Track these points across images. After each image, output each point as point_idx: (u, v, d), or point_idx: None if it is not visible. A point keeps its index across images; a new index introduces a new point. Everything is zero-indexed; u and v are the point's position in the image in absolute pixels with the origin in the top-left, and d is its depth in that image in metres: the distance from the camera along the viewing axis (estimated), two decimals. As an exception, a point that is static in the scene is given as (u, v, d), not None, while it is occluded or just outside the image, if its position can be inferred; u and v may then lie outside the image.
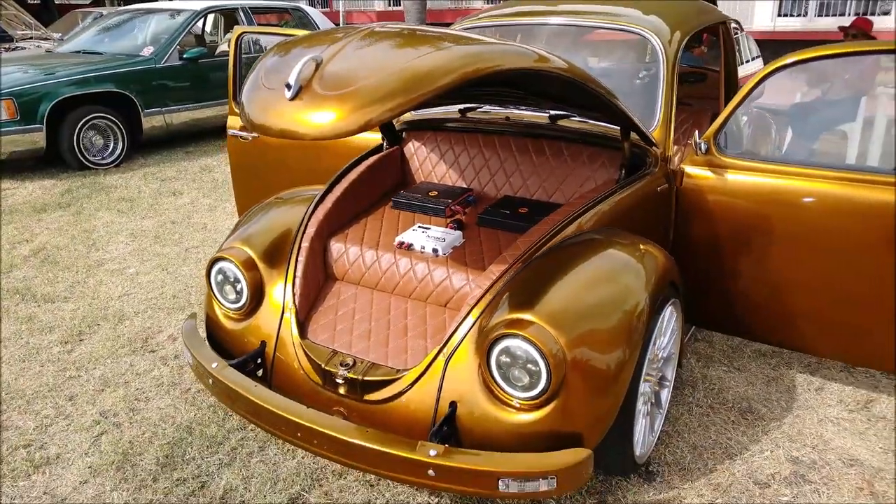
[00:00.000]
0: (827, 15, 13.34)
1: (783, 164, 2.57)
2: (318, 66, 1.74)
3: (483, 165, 2.97)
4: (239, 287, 2.47)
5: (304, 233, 2.53)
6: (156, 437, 2.60)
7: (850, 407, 2.69)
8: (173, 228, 4.90)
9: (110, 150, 6.58)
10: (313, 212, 2.62)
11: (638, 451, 2.24)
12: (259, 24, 8.35)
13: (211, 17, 8.77)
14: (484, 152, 2.97)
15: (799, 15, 13.83)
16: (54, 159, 6.44)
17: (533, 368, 1.92)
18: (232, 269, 2.46)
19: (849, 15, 12.85)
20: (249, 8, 7.80)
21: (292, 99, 1.69)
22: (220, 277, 2.51)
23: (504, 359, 1.95)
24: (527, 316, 1.95)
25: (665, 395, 2.51)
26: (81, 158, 6.36)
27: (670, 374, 2.52)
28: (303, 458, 2.44)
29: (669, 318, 2.36)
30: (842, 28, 6.43)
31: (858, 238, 2.44)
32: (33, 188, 5.97)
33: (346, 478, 2.34)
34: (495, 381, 1.98)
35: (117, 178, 6.27)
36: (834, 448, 2.46)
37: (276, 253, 2.52)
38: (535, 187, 2.84)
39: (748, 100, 2.57)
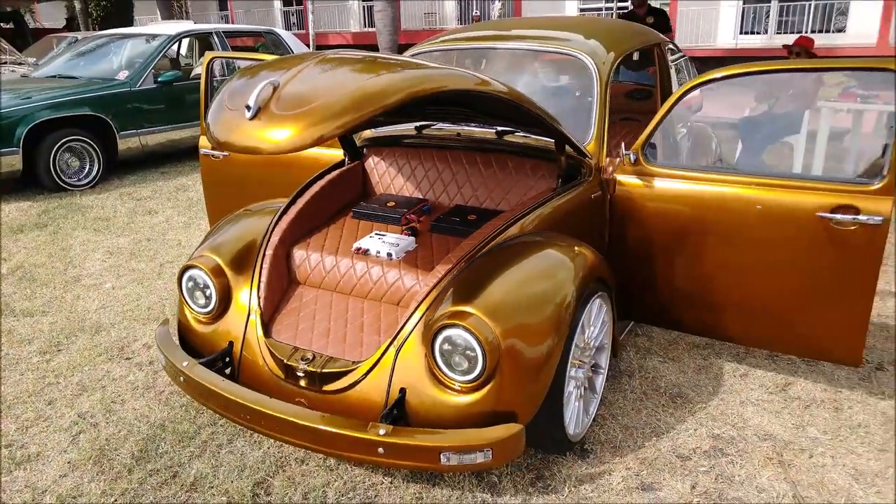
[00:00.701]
0: (786, 32, 13.90)
1: (704, 171, 2.85)
2: (275, 89, 1.98)
3: (437, 178, 3.22)
4: (208, 293, 2.69)
5: (268, 241, 2.76)
6: (131, 434, 2.79)
7: (770, 390, 2.97)
8: (148, 245, 5.09)
9: (86, 171, 6.75)
10: (277, 222, 2.85)
11: (571, 430, 2.48)
12: (233, 48, 8.60)
13: (186, 41, 9.01)
14: (438, 166, 3.23)
15: (759, 33, 14.40)
16: (31, 181, 6.60)
17: (471, 354, 2.16)
18: (202, 276, 2.68)
19: (806, 32, 13.43)
20: (223, 32, 8.05)
21: (252, 119, 1.93)
22: (190, 284, 2.73)
23: (446, 347, 2.20)
24: (467, 308, 2.20)
25: (599, 381, 2.76)
26: (58, 180, 6.52)
27: (604, 362, 2.77)
28: (269, 448, 2.65)
29: (598, 311, 2.62)
30: (786, 46, 6.83)
31: (775, 236, 2.72)
32: (10, 210, 6.12)
33: (307, 464, 2.55)
34: (439, 367, 2.21)
35: (93, 198, 6.44)
36: (751, 426, 2.73)
37: (243, 260, 2.75)
38: (484, 197, 3.10)
39: (671, 115, 2.86)
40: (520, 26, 4.03)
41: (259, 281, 2.67)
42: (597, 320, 2.62)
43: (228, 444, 2.69)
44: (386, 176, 3.34)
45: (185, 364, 2.51)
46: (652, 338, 3.42)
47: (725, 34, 14.52)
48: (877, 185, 2.51)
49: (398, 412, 2.26)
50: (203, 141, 4.14)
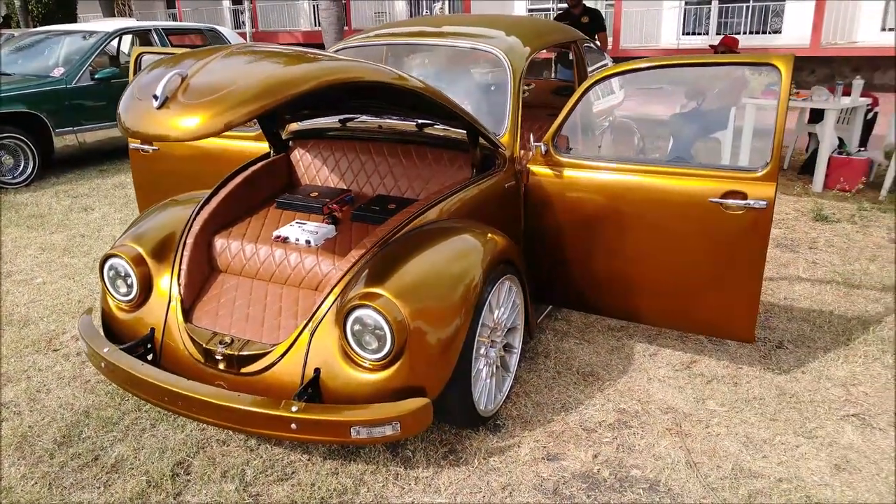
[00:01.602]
0: (725, 33, 14.34)
1: (608, 161, 3.02)
2: (183, 79, 2.06)
3: (360, 169, 3.32)
4: (129, 281, 2.74)
5: (189, 230, 2.82)
6: (54, 421, 2.81)
7: (676, 367, 3.15)
8: (82, 241, 5.06)
9: (21, 169, 6.64)
10: (199, 212, 2.91)
11: (482, 406, 2.61)
12: (179, 47, 8.54)
13: (128, 39, 8.90)
14: (360, 157, 3.32)
15: (701, 33, 14.84)
16: (-37, 179, 6.47)
17: (380, 334, 2.27)
18: (122, 264, 2.73)
19: (744, 33, 13.92)
20: (163, 29, 7.99)
21: (159, 108, 2.00)
22: (111, 273, 2.78)
23: (357, 327, 2.30)
24: (377, 290, 2.30)
25: (513, 360, 2.90)
26: (-9, 178, 6.41)
27: (517, 342, 2.91)
28: (191, 430, 2.71)
29: (508, 293, 2.75)
30: (711, 46, 7.14)
31: (673, 221, 2.89)
32: (-60, 208, 6.00)
33: (229, 444, 2.63)
34: (350, 346, 2.32)
35: (28, 196, 6.35)
36: (655, 400, 2.90)
37: (164, 249, 2.80)
38: (405, 187, 3.21)
39: (579, 108, 3.02)
40: (448, 23, 4.16)
41: (180, 269, 2.72)
42: (507, 302, 2.75)
43: (151, 429, 2.74)
44: (311, 168, 3.43)
45: (105, 350, 2.56)
46: (570, 321, 3.58)
47: (668, 35, 14.93)
48: (761, 172, 2.70)
49: (313, 391, 2.35)
50: (134, 135, 4.16)
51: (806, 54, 12.28)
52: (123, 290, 2.76)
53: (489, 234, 2.70)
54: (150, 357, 2.66)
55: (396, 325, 2.24)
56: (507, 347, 2.88)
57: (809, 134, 6.87)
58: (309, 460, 2.53)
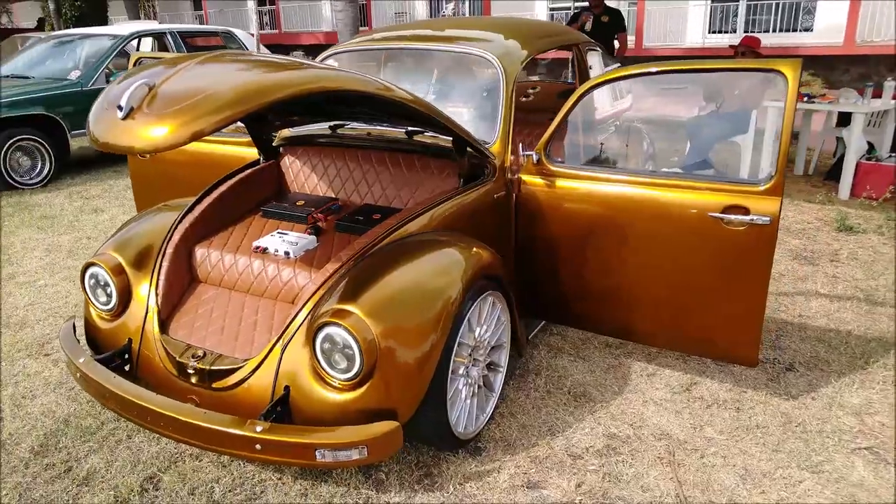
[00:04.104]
0: (753, 31, 13.97)
1: (603, 171, 2.88)
2: (150, 88, 1.99)
3: (349, 177, 3.24)
4: (109, 290, 2.69)
5: (169, 239, 2.77)
6: (34, 429, 2.78)
7: (675, 390, 2.99)
8: (88, 244, 5.08)
9: (37, 170, 6.73)
10: (181, 220, 2.85)
11: (461, 429, 2.50)
12: (196, 48, 8.58)
13: (149, 41, 8.98)
14: (349, 165, 3.24)
15: (727, 32, 14.47)
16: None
17: (349, 353, 2.18)
18: (102, 273, 2.69)
19: (773, 31, 13.53)
20: (178, 32, 8.03)
21: (124, 119, 1.93)
22: (92, 282, 2.73)
23: (326, 345, 2.21)
24: (348, 307, 2.21)
25: (497, 380, 2.78)
26: (8, 179, 6.49)
27: (503, 360, 2.79)
28: (166, 444, 2.65)
29: (492, 310, 2.64)
30: (732, 46, 6.89)
31: (670, 237, 2.74)
32: (-42, 208, 6.09)
33: (202, 460, 2.56)
34: (320, 365, 2.23)
35: (42, 197, 6.42)
36: (649, 425, 2.75)
37: (145, 258, 2.75)
38: (393, 195, 3.11)
39: (571, 115, 2.88)
40: (452, 26, 4.05)
41: (158, 279, 2.67)
42: (490, 319, 2.64)
43: (127, 440, 2.69)
44: (300, 175, 3.35)
45: (81, 360, 2.52)
46: (565, 337, 3.45)
47: (694, 33, 14.57)
48: (765, 186, 2.54)
49: (283, 409, 2.27)
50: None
51: (839, 53, 11.88)
52: (103, 299, 2.72)
53: (473, 248, 2.59)
54: (127, 368, 2.61)
55: (366, 344, 2.14)
56: (492, 366, 2.76)
57: (837, 138, 6.60)
58: (280, 479, 2.45)
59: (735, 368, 3.16)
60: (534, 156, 2.94)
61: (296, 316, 2.35)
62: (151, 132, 1.87)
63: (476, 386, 2.61)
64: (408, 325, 2.26)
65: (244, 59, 2.31)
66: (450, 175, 2.98)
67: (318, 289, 2.38)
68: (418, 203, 2.77)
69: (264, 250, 2.71)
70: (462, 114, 3.30)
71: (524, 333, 2.99)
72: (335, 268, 2.43)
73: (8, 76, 7.36)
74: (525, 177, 3.00)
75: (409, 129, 3.11)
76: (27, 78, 7.18)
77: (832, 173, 6.40)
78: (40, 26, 17.48)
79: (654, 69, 2.66)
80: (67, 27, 16.92)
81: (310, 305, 2.35)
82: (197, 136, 1.87)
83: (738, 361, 2.83)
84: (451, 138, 2.95)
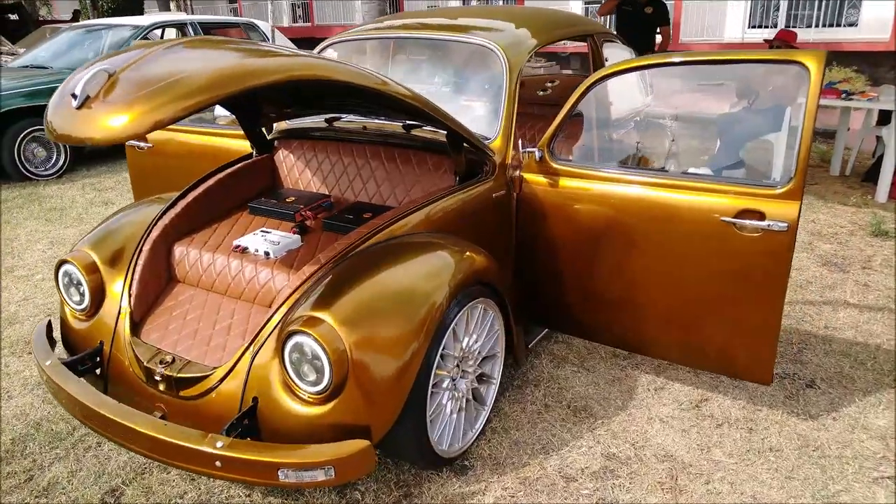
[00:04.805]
0: (795, 26, 13.46)
1: (609, 170, 2.66)
2: (110, 75, 1.84)
3: (343, 172, 3.07)
4: (82, 289, 2.56)
5: (147, 237, 2.63)
6: (4, 433, 2.68)
7: (684, 406, 2.77)
8: (92, 237, 5.00)
9: (52, 161, 6.70)
10: (161, 216, 2.71)
11: (444, 446, 2.32)
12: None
13: (172, 32, 8.93)
14: (343, 160, 3.07)
15: (768, 27, 13.97)
16: (-2, 171, 6.58)
17: (318, 364, 2.01)
18: (75, 271, 2.56)
19: (816, 26, 13.02)
20: (199, 23, 7.95)
21: (79, 108, 1.79)
22: (66, 280, 2.61)
23: (295, 355, 2.04)
24: (320, 314, 2.04)
25: (490, 392, 2.59)
26: (23, 170, 6.48)
27: (495, 372, 2.60)
28: (135, 454, 2.52)
29: (482, 318, 2.44)
30: (766, 40, 6.57)
31: (679, 242, 2.52)
32: (-29, 198, 6.09)
33: (169, 472, 2.42)
34: (289, 376, 2.06)
35: (56, 188, 6.39)
36: (653, 445, 2.54)
37: (120, 256, 2.62)
38: (387, 193, 2.94)
39: (575, 110, 2.67)
40: (464, 15, 3.85)
41: (132, 278, 2.53)
42: (480, 328, 2.45)
43: (97, 448, 2.57)
44: (294, 170, 3.20)
45: (48, 363, 2.39)
46: (571, 345, 3.23)
47: (734, 28, 14.10)
48: (781, 189, 2.31)
49: (249, 422, 2.11)
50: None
51: (886, 49, 11.35)
52: (77, 298, 2.59)
53: (463, 251, 2.39)
54: (98, 372, 2.49)
55: (336, 355, 1.97)
56: (484, 378, 2.57)
57: (877, 137, 6.23)
58: (248, 496, 2.30)
59: (750, 384, 2.92)
60: (536, 153, 2.74)
61: (268, 322, 2.19)
62: (110, 121, 1.72)
63: (464, 400, 2.43)
64: (384, 335, 2.08)
65: (219, 44, 2.15)
66: (446, 172, 2.79)
67: (293, 293, 2.21)
68: (410, 202, 2.59)
69: (244, 250, 2.56)
70: (462, 107, 3.10)
71: (522, 342, 2.79)
72: (312, 270, 2.26)
73: (27, 66, 7.36)
74: (527, 175, 2.80)
75: (407, 122, 2.94)
76: (46, 68, 7.16)
77: (870, 174, 6.04)
78: (75, 18, 17.66)
79: (663, 60, 2.44)
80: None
81: (283, 311, 2.19)
82: (160, 125, 1.72)
83: (750, 379, 2.59)
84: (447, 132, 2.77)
